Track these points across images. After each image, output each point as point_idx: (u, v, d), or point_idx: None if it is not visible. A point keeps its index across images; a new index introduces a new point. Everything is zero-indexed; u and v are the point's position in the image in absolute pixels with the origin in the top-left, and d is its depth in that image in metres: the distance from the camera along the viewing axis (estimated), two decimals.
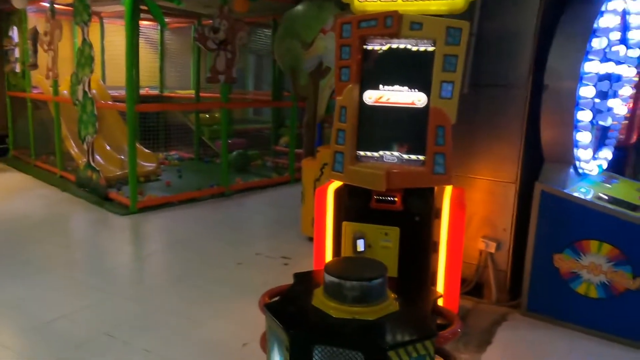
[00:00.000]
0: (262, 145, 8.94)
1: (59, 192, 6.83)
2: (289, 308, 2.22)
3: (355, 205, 2.89)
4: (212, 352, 2.95)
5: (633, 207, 3.15)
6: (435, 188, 2.89)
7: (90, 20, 6.33)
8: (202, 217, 5.80)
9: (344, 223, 2.90)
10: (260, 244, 4.86)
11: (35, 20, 8.16)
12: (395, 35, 2.83)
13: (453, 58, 2.73)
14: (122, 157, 7.67)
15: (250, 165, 8.08)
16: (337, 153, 2.89)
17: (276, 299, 2.42)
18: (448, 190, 2.92)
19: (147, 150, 7.73)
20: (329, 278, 2.13)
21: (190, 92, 10.01)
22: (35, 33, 8.04)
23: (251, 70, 10.84)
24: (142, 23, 9.22)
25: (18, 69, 8.64)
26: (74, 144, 7.72)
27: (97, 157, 7.01)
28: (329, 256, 2.99)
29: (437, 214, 2.91)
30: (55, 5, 7.33)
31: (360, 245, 2.85)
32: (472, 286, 3.64)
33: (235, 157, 7.48)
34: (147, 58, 9.88)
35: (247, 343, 3.01)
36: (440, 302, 2.56)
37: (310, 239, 4.69)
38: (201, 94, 9.27)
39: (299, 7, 7.05)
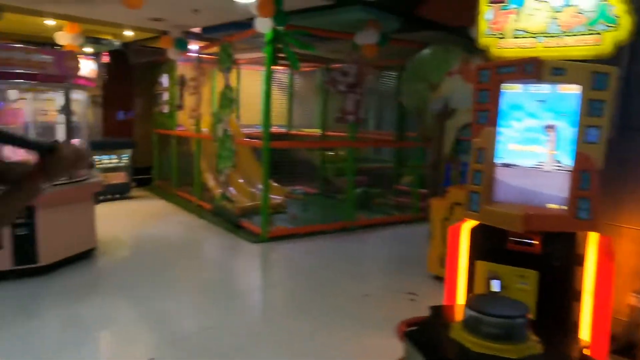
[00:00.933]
0: (383, 183, 9.13)
1: (196, 219, 7.58)
2: (428, 338, 2.31)
3: (491, 245, 2.92)
4: None
5: None
6: (578, 234, 2.83)
7: (232, 67, 7.10)
8: (327, 250, 6.08)
9: (478, 262, 2.94)
10: (385, 278, 4.98)
11: (182, 68, 9.34)
12: (536, 81, 2.88)
13: (600, 103, 2.71)
14: (253, 189, 8.31)
15: (372, 203, 8.28)
16: (473, 193, 2.97)
17: (413, 328, 2.52)
18: (593, 237, 2.83)
19: (275, 184, 8.29)
20: (470, 313, 2.20)
21: (315, 131, 10.60)
22: (182, 79, 9.18)
23: (372, 110, 11.21)
24: (274, 67, 10.07)
25: (166, 109, 9.85)
26: (211, 176, 8.55)
27: (231, 188, 7.68)
28: (460, 294, 3.03)
29: (580, 261, 2.83)
30: (201, 55, 8.37)
31: (495, 285, 2.86)
32: (621, 345, 3.40)
33: (358, 194, 7.73)
34: (276, 98, 10.69)
35: None
36: (587, 352, 2.48)
37: (437, 278, 4.75)
38: (326, 133, 9.78)
39: (427, 51, 7.26)
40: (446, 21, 6.58)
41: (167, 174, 10.03)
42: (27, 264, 4.70)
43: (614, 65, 2.83)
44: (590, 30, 2.90)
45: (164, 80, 9.90)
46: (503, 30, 3.20)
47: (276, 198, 7.97)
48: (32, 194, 1.45)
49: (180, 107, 9.19)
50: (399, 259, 5.76)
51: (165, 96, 9.87)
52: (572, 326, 2.79)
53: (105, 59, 9.67)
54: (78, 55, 5.68)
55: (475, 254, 3.00)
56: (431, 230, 4.94)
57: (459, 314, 2.56)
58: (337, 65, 10.03)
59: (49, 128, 5.60)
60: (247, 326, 3.92)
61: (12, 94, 5.29)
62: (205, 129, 8.56)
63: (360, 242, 6.57)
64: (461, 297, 3.00)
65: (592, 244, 2.79)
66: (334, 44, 7.53)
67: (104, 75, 9.77)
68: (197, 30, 7.97)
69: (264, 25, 5.54)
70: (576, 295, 2.83)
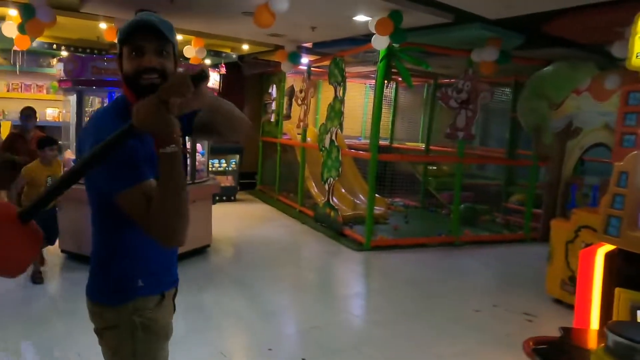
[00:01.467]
0: (489, 200, 8.89)
1: (298, 224, 7.85)
2: (563, 357, 2.27)
3: (633, 273, 2.79)
4: None
5: None
6: None
7: (345, 81, 7.31)
8: (431, 263, 6.06)
9: (618, 289, 2.81)
10: (496, 296, 4.86)
11: (292, 80, 9.75)
12: None
13: None
14: (355, 199, 8.46)
15: (478, 220, 8.09)
16: (612, 217, 2.86)
17: (544, 346, 2.47)
18: None
19: (377, 195, 8.36)
20: (615, 338, 2.13)
21: (418, 145, 10.56)
22: (292, 90, 9.60)
23: (479, 126, 10.97)
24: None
25: (273, 118, 10.31)
26: (314, 184, 8.82)
27: (334, 197, 7.88)
28: (594, 320, 2.91)
29: None
30: (312, 68, 8.71)
31: None
32: None
33: (463, 209, 7.60)
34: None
35: None
36: None
37: (557, 301, 4.57)
38: (430, 147, 9.73)
39: (550, 68, 7.01)
40: (576, 38, 6.30)
41: (269, 180, 10.50)
42: None
43: None
44: None
45: (273, 91, 10.40)
46: None
47: (378, 209, 8.04)
48: (173, 164, 1.37)
49: (287, 116, 9.60)
50: (511, 277, 5.60)
51: (273, 106, 10.35)
52: None
53: (223, 70, 10.37)
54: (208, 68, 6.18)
55: (612, 280, 2.87)
56: (551, 251, 4.75)
57: (594, 339, 2.48)
58: (445, 80, 10.00)
59: None
60: (355, 327, 4.05)
61: None
62: (309, 138, 8.88)
63: (466, 257, 6.46)
64: (594, 322, 2.88)
65: None
66: (445, 59, 7.50)
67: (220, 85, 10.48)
68: (308, 44, 8.33)
69: (381, 43, 5.68)
70: None
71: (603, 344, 2.22)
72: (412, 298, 4.75)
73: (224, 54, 9.68)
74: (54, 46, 8.58)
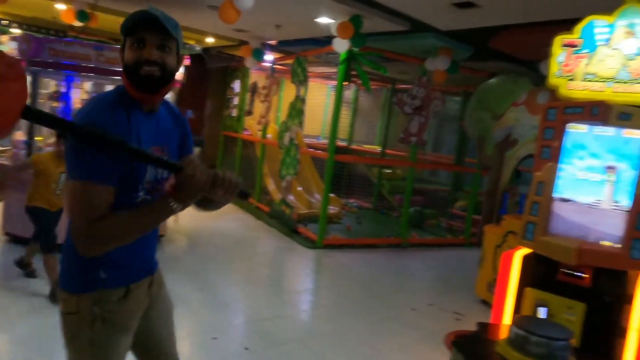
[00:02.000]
0: (437, 205, 9.27)
1: (253, 219, 8.00)
2: (475, 350, 2.53)
3: (541, 274, 3.09)
4: None
5: None
6: (629, 273, 2.95)
7: (307, 80, 7.49)
8: (379, 263, 6.32)
9: (527, 289, 3.11)
10: (432, 296, 5.16)
11: (255, 76, 9.87)
12: (602, 123, 3.04)
13: None
14: (310, 198, 8.67)
15: (424, 223, 8.44)
16: (529, 223, 3.16)
17: (461, 339, 2.74)
18: None
19: (331, 195, 8.60)
20: (516, 331, 2.41)
21: (375, 147, 10.87)
22: (255, 86, 9.72)
23: (431, 133, 11.39)
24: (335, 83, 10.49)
25: (234, 113, 10.39)
26: (272, 181, 8.98)
27: (290, 195, 8.06)
28: (507, 315, 3.21)
29: (629, 300, 2.95)
30: (275, 66, 8.86)
31: (542, 313, 3.03)
32: None
33: (412, 213, 7.92)
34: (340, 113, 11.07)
35: None
36: None
37: (484, 302, 4.90)
38: (386, 150, 10.04)
39: (494, 81, 7.39)
40: (516, 54, 6.73)
41: None
42: None
43: None
44: None
45: (236, 85, 10.48)
46: (573, 73, 3.38)
47: (332, 208, 8.28)
48: (164, 214, 1.51)
49: (249, 112, 9.71)
50: (448, 279, 5.92)
51: (236, 101, 10.43)
52: (614, 358, 2.91)
53: (187, 62, 10.37)
54: None
55: (526, 280, 3.17)
56: (483, 255, 5.09)
57: (504, 333, 2.76)
58: (402, 85, 10.33)
59: None
60: (304, 321, 4.25)
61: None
62: (269, 135, 9.02)
63: (411, 259, 6.77)
64: (507, 318, 3.18)
65: None
66: (402, 65, 7.80)
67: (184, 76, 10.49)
68: (273, 42, 8.47)
69: (341, 46, 5.90)
70: (621, 332, 2.95)
71: (508, 337, 2.50)
72: (358, 296, 4.98)
73: (187, 45, 9.70)
74: (6, 22, 8.33)
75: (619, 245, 2.89)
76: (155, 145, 1.61)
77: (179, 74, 6.66)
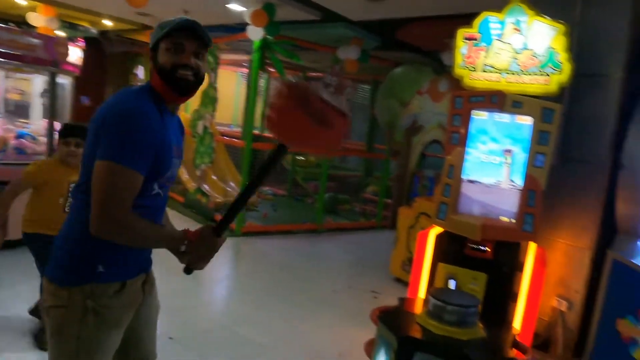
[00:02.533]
0: (349, 191, 9.63)
1: (167, 210, 7.79)
2: (398, 321, 2.75)
3: (452, 249, 3.39)
4: (314, 355, 3.51)
5: None
6: (521, 244, 3.34)
7: (218, 67, 7.40)
8: (297, 248, 6.49)
9: (440, 264, 3.41)
10: (351, 277, 5.41)
11: None
12: (499, 110, 3.38)
13: (546, 134, 3.24)
14: (225, 186, 8.61)
15: (338, 208, 8.73)
16: (442, 204, 3.44)
17: (385, 313, 2.95)
18: (532, 247, 3.35)
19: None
20: (433, 301, 2.65)
21: None
22: None
23: None
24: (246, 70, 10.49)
25: None
26: (185, 170, 8.77)
27: (204, 184, 7.96)
28: (422, 289, 3.49)
29: (520, 268, 3.34)
30: None
31: (452, 284, 3.34)
32: (541, 341, 3.94)
33: (326, 198, 8.17)
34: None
35: (343, 354, 3.54)
36: (517, 338, 2.98)
37: (398, 280, 5.24)
38: None
39: (399, 70, 7.80)
40: (420, 45, 7.14)
41: None
42: None
43: (558, 103, 3.39)
44: (541, 71, 3.44)
45: (140, 72, 10.06)
46: (475, 64, 3.71)
47: None
48: (169, 246, 1.57)
49: None
50: (364, 261, 6.22)
51: None
52: (508, 319, 3.29)
53: (80, 44, 9.73)
54: (68, 42, 5.84)
55: (439, 256, 3.46)
56: (397, 236, 5.42)
57: (421, 305, 3.02)
58: (313, 74, 10.51)
59: (23, 107, 5.86)
60: (227, 307, 4.28)
61: None
62: None
63: (328, 243, 7.01)
64: (423, 292, 3.46)
65: (530, 253, 3.31)
66: (313, 54, 7.95)
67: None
68: None
69: (255, 34, 5.90)
70: (514, 296, 3.34)
71: (425, 308, 2.74)
72: (280, 280, 5.11)
73: (81, 28, 9.11)
74: None
75: (514, 220, 3.26)
76: (177, 145, 1.69)
77: (78, 59, 6.28)
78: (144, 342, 1.87)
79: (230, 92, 11.38)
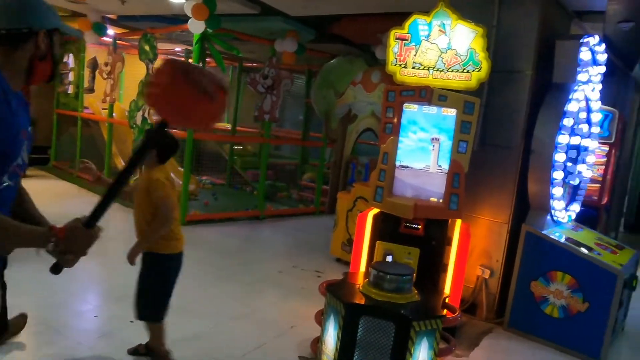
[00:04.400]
0: (286, 178, 9.93)
1: None
2: (344, 291, 3.10)
3: (388, 228, 3.80)
4: (266, 329, 3.80)
5: (589, 249, 4.08)
6: (449, 221, 3.80)
7: (156, 59, 7.40)
8: (241, 234, 6.73)
9: (378, 242, 3.80)
10: (295, 259, 5.72)
11: (94, 51, 9.32)
12: (428, 103, 3.80)
13: (468, 124, 3.71)
14: None
15: (277, 196, 9.01)
16: (379, 187, 3.83)
17: (333, 286, 3.28)
18: (458, 223, 3.83)
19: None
20: (374, 272, 3.02)
21: (225, 125, 11.07)
22: (95, 62, 9.19)
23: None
24: (181, 60, 10.46)
25: (70, 90, 9.70)
26: (123, 161, 8.69)
27: None
28: (363, 264, 3.88)
29: (449, 242, 3.82)
30: (118, 41, 8.53)
31: (389, 259, 3.75)
32: (467, 305, 4.49)
33: (265, 186, 8.41)
34: None
35: (294, 326, 3.88)
36: (447, 300, 3.44)
37: (338, 260, 5.65)
38: (237, 128, 10.36)
39: (334, 61, 8.17)
40: (353, 38, 7.53)
41: (66, 155, 9.89)
42: None
43: (478, 96, 3.87)
44: (463, 69, 3.91)
45: (70, 60, 9.74)
46: (405, 62, 4.12)
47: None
48: (35, 244, 1.47)
49: (91, 90, 9.16)
50: (305, 244, 6.56)
51: (70, 77, 9.71)
52: (440, 286, 3.77)
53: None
54: None
55: (377, 235, 3.86)
56: (336, 219, 5.80)
57: (361, 278, 3.40)
58: (248, 64, 10.66)
59: None
60: (184, 290, 4.39)
61: None
62: (115, 113, 8.68)
63: (269, 228, 7.30)
64: (363, 267, 3.85)
65: (457, 229, 3.79)
66: (249, 45, 8.13)
67: None
68: (113, 16, 8.10)
69: (196, 27, 6.00)
70: (444, 267, 3.82)
71: (367, 279, 3.11)
72: (226, 265, 5.33)
73: None
74: None
75: (442, 200, 3.72)
76: (24, 128, 1.57)
77: None
78: None
79: None
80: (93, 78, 9.24)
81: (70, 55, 9.66)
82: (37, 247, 1.46)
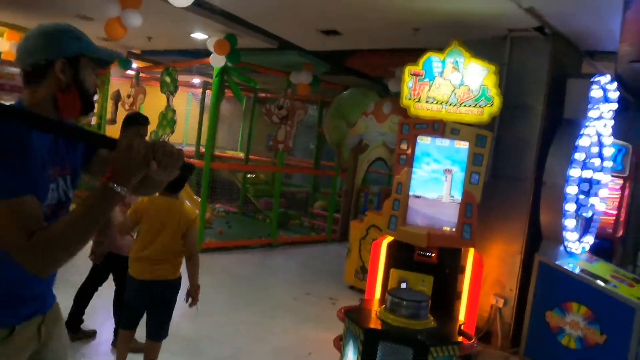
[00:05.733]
0: (297, 206, 10.07)
1: None
2: (362, 317, 3.21)
3: (402, 256, 3.91)
4: (286, 354, 3.90)
5: (605, 281, 4.14)
6: (462, 250, 3.91)
7: (176, 91, 7.67)
8: (255, 262, 6.86)
9: (392, 269, 3.91)
10: (308, 286, 5.82)
11: (117, 84, 9.66)
12: (440, 136, 3.96)
13: (480, 156, 3.86)
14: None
15: (289, 223, 9.14)
16: (392, 216, 3.96)
17: (350, 311, 3.39)
18: (471, 252, 3.94)
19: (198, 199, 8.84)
20: (391, 298, 3.14)
21: (238, 153, 11.32)
22: (118, 94, 9.51)
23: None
24: (199, 90, 10.80)
25: (94, 121, 10.02)
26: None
27: None
28: (378, 291, 3.98)
29: (462, 270, 3.92)
30: (140, 74, 8.86)
31: (404, 286, 3.85)
32: (482, 334, 4.55)
33: (278, 214, 8.56)
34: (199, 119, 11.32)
35: (312, 353, 3.96)
36: (462, 327, 3.52)
37: (352, 287, 5.72)
38: (250, 156, 10.59)
39: (347, 92, 8.40)
40: (366, 71, 7.79)
41: (87, 185, 10.11)
42: None
43: (489, 130, 4.03)
44: (476, 104, 4.08)
45: None
46: (419, 96, 4.30)
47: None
48: (109, 202, 1.32)
49: (113, 121, 9.47)
50: (318, 271, 6.66)
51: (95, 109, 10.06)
52: (454, 314, 3.84)
53: None
54: None
55: (390, 263, 3.96)
56: (349, 247, 5.91)
57: (377, 303, 3.51)
58: (263, 94, 10.95)
59: None
60: (201, 317, 4.49)
61: None
62: None
63: (284, 256, 7.42)
64: (378, 294, 3.94)
65: (470, 257, 3.90)
66: (264, 76, 8.41)
67: None
68: (136, 50, 8.45)
69: (218, 61, 6.27)
70: (458, 295, 3.91)
71: (384, 305, 3.22)
72: (243, 292, 5.45)
73: None
74: None
75: (455, 230, 3.84)
76: (61, 165, 1.49)
77: None
78: None
79: (180, 111, 11.54)
80: (116, 110, 9.56)
81: None
82: (111, 203, 1.33)
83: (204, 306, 4.94)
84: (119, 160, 1.30)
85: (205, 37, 6.28)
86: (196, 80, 10.43)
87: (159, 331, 3.20)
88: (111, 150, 1.33)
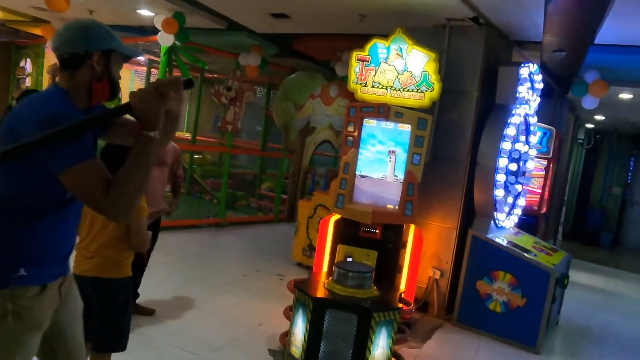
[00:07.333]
0: (245, 187, 10.15)
1: None
2: (311, 288, 3.41)
3: (349, 233, 4.14)
4: (236, 327, 4.05)
5: (527, 251, 4.60)
6: (404, 226, 4.19)
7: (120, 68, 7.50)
8: (204, 241, 6.92)
9: (339, 245, 4.13)
10: (258, 264, 5.97)
11: (54, 57, 9.25)
12: (385, 119, 4.20)
13: (421, 138, 4.13)
14: None
15: (236, 204, 9.22)
16: (339, 195, 4.18)
17: (300, 284, 3.58)
18: (412, 228, 4.23)
19: None
20: (338, 270, 3.35)
21: (184, 134, 11.18)
22: (55, 68, 9.11)
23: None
24: (143, 68, 10.57)
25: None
26: None
27: None
28: (325, 265, 4.20)
29: (403, 245, 4.21)
30: None
31: (349, 260, 4.09)
32: (420, 304, 4.90)
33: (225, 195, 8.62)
34: None
35: (262, 323, 4.14)
36: (402, 296, 3.81)
37: (299, 264, 5.93)
38: (197, 137, 10.50)
39: (295, 75, 8.52)
40: (314, 55, 7.93)
41: None
42: None
43: (430, 114, 4.30)
44: (418, 89, 4.34)
45: (27, 65, 9.64)
46: (366, 81, 4.51)
47: None
48: (151, 148, 1.54)
49: None
50: (267, 249, 6.83)
51: (28, 82, 9.61)
52: (396, 285, 4.13)
53: None
54: None
55: (338, 239, 4.19)
56: (297, 226, 6.10)
57: (324, 277, 3.72)
58: (209, 75, 10.85)
59: None
60: (156, 293, 4.56)
61: None
62: None
63: (232, 235, 7.52)
64: (325, 268, 4.17)
65: (411, 233, 4.19)
66: (211, 57, 8.37)
67: None
68: None
69: (166, 40, 6.20)
70: (399, 268, 4.20)
71: (331, 277, 3.44)
72: (194, 269, 5.54)
73: None
74: None
75: (397, 207, 4.11)
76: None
77: None
78: (70, 344, 1.87)
79: (123, 90, 11.23)
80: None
81: (28, 60, 9.57)
82: (153, 148, 1.56)
83: (156, 283, 5.04)
84: (140, 112, 1.55)
85: (152, 14, 6.19)
86: (142, 58, 10.17)
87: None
88: (131, 112, 1.56)
